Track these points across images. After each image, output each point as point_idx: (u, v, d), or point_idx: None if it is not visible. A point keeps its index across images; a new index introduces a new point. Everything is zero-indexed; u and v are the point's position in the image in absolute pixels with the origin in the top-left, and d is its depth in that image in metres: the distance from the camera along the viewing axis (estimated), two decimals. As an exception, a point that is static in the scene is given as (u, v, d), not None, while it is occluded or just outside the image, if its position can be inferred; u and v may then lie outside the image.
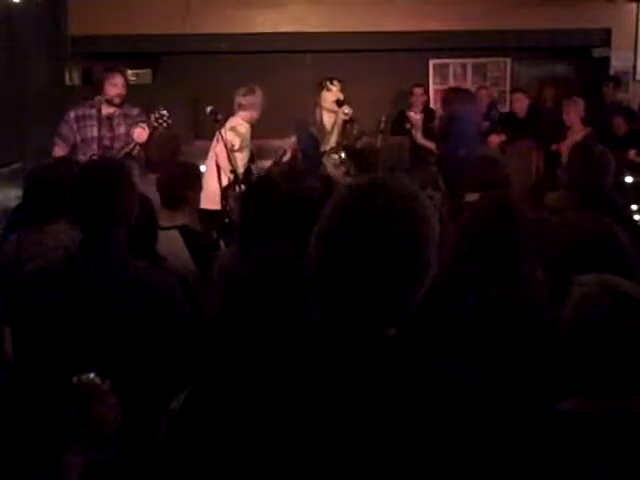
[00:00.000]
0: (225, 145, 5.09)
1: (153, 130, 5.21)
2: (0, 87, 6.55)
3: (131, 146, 5.14)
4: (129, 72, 8.86)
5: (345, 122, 5.46)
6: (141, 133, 5.15)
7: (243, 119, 5.66)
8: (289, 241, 2.49)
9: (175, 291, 2.30)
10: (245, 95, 5.65)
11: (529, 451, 1.55)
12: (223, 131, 5.17)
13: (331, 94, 5.47)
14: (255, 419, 1.21)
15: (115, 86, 5.35)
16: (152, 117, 5.21)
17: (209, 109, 5.28)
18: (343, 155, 5.38)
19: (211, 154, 5.53)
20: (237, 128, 5.53)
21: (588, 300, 1.68)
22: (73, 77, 8.40)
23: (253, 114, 5.65)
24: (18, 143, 6.58)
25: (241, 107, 5.65)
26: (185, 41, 8.23)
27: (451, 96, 6.07)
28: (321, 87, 5.53)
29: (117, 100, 5.34)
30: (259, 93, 5.68)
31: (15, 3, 6.80)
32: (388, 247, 1.19)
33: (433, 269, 1.25)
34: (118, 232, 2.26)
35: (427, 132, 6.94)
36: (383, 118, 5.78)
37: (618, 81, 8.19)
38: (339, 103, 5.43)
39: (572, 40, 8.68)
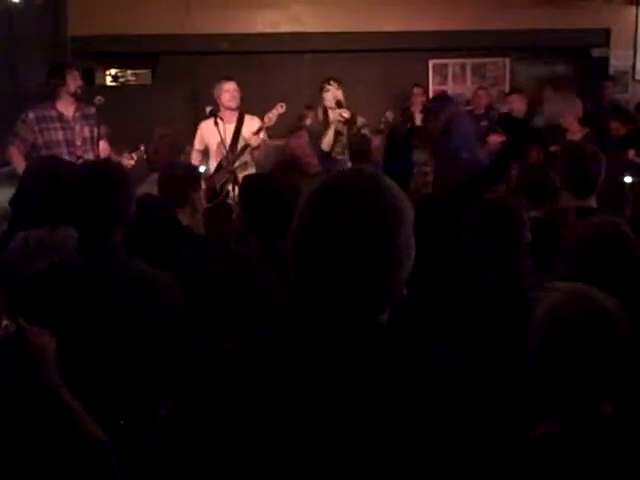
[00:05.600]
0: None
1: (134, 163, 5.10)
2: (0, 87, 6.56)
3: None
4: (129, 72, 8.93)
5: (343, 123, 5.54)
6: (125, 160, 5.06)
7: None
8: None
9: (173, 292, 2.31)
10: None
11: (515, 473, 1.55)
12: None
13: (330, 94, 5.58)
14: (252, 413, 1.23)
15: (76, 79, 5.24)
16: (139, 151, 5.09)
17: (208, 109, 5.30)
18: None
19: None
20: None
21: (558, 310, 1.66)
22: (73, 77, 8.40)
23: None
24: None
25: None
26: (185, 41, 8.24)
27: (438, 105, 6.22)
28: (320, 88, 5.67)
29: (79, 92, 5.21)
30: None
31: (15, 3, 6.82)
32: (354, 241, 1.22)
33: (409, 252, 1.28)
34: (115, 233, 2.28)
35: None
36: (382, 119, 5.84)
37: (614, 80, 8.23)
38: (339, 104, 5.52)
39: (571, 40, 8.69)
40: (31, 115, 5.13)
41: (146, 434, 2.06)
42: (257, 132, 5.45)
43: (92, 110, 5.22)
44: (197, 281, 2.58)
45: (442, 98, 6.65)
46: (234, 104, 5.58)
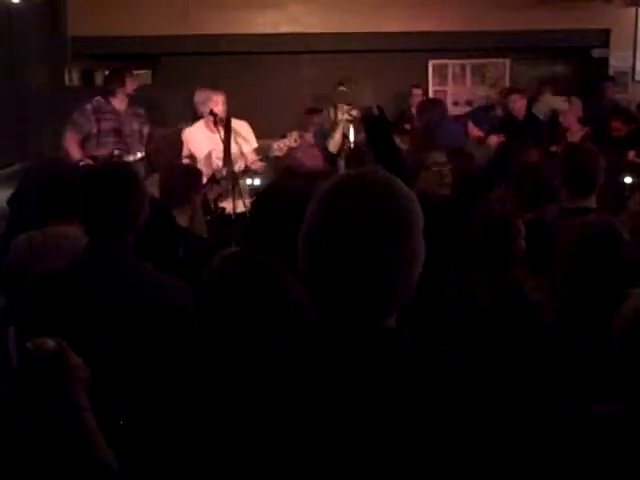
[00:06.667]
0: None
1: None
2: (0, 87, 6.56)
3: (141, 155, 5.68)
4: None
5: (350, 122, 5.59)
6: None
7: None
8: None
9: (182, 296, 2.30)
10: None
11: (545, 448, 1.55)
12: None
13: (342, 93, 5.69)
14: (260, 415, 1.23)
15: (133, 82, 5.88)
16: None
17: (209, 110, 5.30)
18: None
19: None
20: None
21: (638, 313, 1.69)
22: (73, 78, 8.41)
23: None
24: (18, 144, 6.58)
25: None
26: (185, 42, 8.25)
27: (428, 105, 6.40)
28: (335, 86, 5.89)
29: (133, 93, 5.87)
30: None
31: (15, 3, 6.81)
32: (367, 241, 1.21)
33: (419, 257, 1.27)
34: (126, 237, 2.26)
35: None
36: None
37: (614, 80, 8.24)
38: (349, 102, 5.59)
39: (571, 41, 8.69)
40: (89, 106, 5.72)
41: (152, 435, 2.07)
42: (262, 159, 5.31)
43: (140, 110, 5.95)
44: (214, 281, 2.59)
45: (430, 101, 6.77)
46: (224, 116, 5.31)
